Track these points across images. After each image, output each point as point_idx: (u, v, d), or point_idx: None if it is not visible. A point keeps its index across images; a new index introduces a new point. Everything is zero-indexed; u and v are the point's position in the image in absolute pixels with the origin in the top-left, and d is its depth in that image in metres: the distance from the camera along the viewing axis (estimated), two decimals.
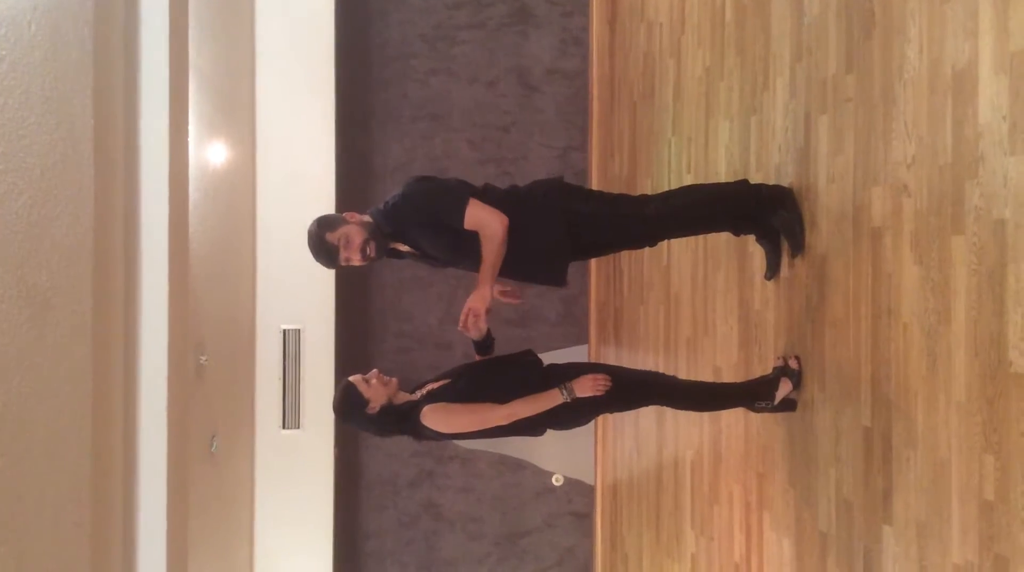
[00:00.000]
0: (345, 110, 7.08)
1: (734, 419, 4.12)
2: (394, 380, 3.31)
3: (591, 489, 7.49)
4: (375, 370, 3.33)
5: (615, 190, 6.71)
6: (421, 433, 3.30)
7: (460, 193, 3.28)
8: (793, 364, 3.44)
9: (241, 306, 6.54)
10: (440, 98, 7.55)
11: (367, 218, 3.27)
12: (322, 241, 3.22)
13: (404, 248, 3.40)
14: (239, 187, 6.34)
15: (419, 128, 7.53)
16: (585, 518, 7.56)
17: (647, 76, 5.92)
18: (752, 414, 3.84)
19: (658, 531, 5.62)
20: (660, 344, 5.48)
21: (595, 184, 7.40)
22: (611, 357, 6.87)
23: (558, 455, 7.34)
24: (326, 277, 6.77)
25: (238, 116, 6.35)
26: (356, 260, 3.21)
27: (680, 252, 5.07)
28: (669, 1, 5.38)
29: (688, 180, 4.92)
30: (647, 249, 5.77)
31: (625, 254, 6.32)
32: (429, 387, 3.39)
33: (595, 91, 7.57)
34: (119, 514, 3.78)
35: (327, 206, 6.78)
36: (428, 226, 3.30)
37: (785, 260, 3.61)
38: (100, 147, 2.98)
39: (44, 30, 2.54)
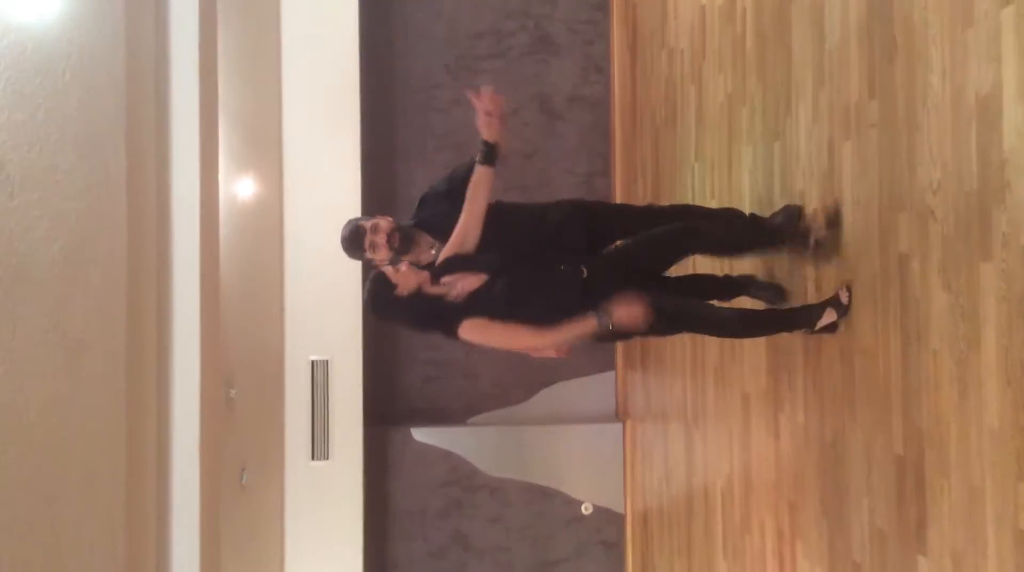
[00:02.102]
0: (370, 142, 7.15)
1: (763, 447, 4.09)
2: (426, 273, 3.19)
3: (621, 518, 7.44)
4: (406, 262, 3.26)
5: None
6: (455, 336, 3.19)
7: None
8: (844, 296, 3.31)
9: (270, 338, 6.59)
10: (463, 127, 7.59)
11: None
12: (353, 225, 3.43)
13: (424, 256, 3.45)
14: (267, 220, 6.41)
15: (443, 157, 7.58)
16: (615, 547, 7.51)
17: (669, 102, 5.94)
18: (782, 441, 3.83)
19: (690, 561, 5.57)
20: (687, 370, 5.46)
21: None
22: (638, 383, 6.86)
23: (587, 483, 7.31)
24: (354, 308, 6.81)
25: (266, 150, 6.43)
26: (381, 244, 3.35)
27: None
28: (690, 28, 5.41)
29: (712, 205, 4.92)
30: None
31: None
32: (464, 283, 3.19)
33: (617, 117, 7.60)
34: (153, 549, 3.81)
35: None
36: (447, 195, 3.49)
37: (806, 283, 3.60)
38: (133, 190, 3.04)
39: (78, 78, 2.60)
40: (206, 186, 3.43)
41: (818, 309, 3.36)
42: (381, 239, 3.34)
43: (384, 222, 3.39)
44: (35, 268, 2.44)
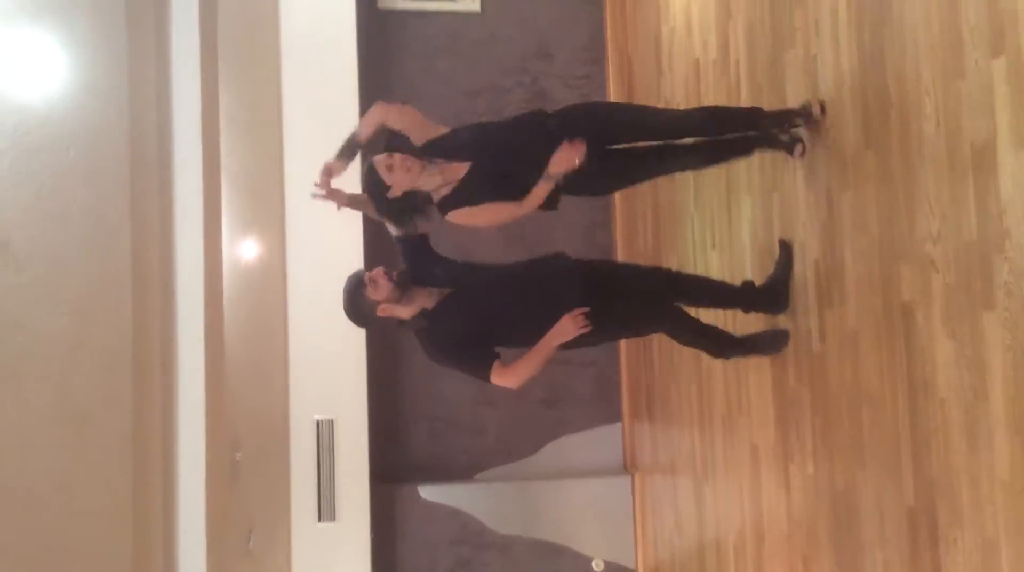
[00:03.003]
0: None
1: (774, 500, 4.05)
2: (417, 164, 3.40)
3: None
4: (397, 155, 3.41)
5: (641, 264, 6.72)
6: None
7: None
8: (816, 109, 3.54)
9: (274, 399, 6.56)
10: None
11: None
12: (354, 274, 3.44)
13: (428, 302, 3.48)
14: (270, 280, 6.43)
15: None
16: None
17: None
18: (792, 493, 3.79)
19: None
20: (695, 420, 5.43)
21: (621, 259, 7.43)
22: (645, 433, 6.81)
23: (597, 538, 7.22)
24: (358, 365, 6.78)
25: (268, 209, 6.46)
26: (380, 277, 3.34)
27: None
28: (684, 81, 5.47)
29: (713, 256, 4.94)
30: None
31: None
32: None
33: None
34: None
35: None
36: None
37: (813, 341, 3.60)
38: (137, 259, 3.06)
39: (82, 152, 2.63)
40: (210, 252, 3.45)
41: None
42: (380, 274, 3.34)
43: (380, 269, 3.40)
44: (41, 344, 2.45)
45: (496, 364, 3.34)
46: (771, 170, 4.05)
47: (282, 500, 6.63)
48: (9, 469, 2.36)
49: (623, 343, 7.27)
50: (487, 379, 3.37)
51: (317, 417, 6.78)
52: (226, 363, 4.14)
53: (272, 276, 6.43)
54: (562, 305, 3.37)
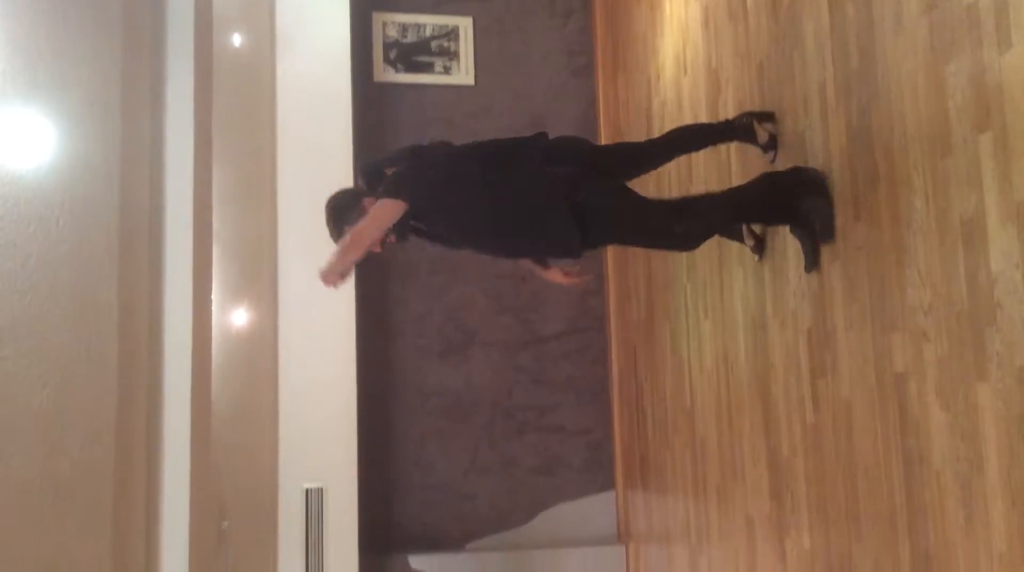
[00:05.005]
0: (364, 266, 7.20)
1: (770, 569, 3.99)
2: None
3: None
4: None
5: (635, 335, 6.72)
6: None
7: None
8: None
9: (263, 466, 6.48)
10: (456, 254, 7.68)
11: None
12: (340, 230, 3.37)
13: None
14: (261, 347, 6.39)
15: (437, 280, 7.64)
16: None
17: None
18: (789, 566, 3.72)
19: None
20: (688, 489, 5.37)
21: (613, 328, 7.43)
22: (639, 502, 6.73)
23: None
24: (349, 433, 6.71)
25: (260, 278, 6.47)
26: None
27: (703, 393, 5.03)
28: (676, 162, 5.51)
29: (706, 325, 4.94)
30: (668, 389, 5.74)
31: (647, 395, 6.28)
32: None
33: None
34: None
35: (347, 361, 6.80)
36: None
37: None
38: (124, 331, 3.04)
39: (71, 223, 2.63)
40: (199, 322, 3.42)
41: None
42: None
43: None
44: (24, 416, 2.41)
45: None
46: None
47: (269, 570, 6.50)
48: None
49: (616, 411, 7.22)
50: None
51: (306, 485, 6.68)
52: (213, 430, 4.09)
53: (263, 343, 6.40)
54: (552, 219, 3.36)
